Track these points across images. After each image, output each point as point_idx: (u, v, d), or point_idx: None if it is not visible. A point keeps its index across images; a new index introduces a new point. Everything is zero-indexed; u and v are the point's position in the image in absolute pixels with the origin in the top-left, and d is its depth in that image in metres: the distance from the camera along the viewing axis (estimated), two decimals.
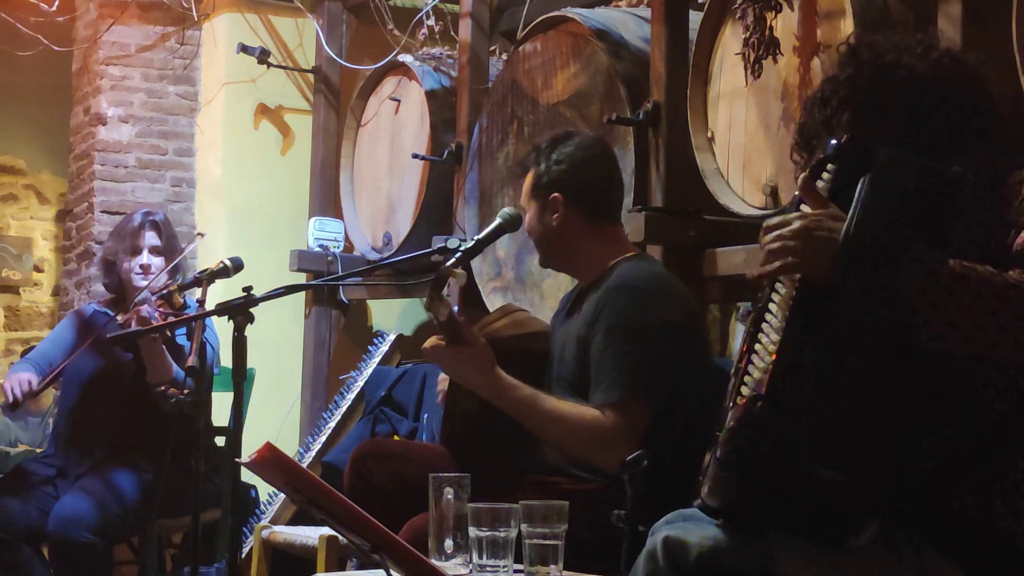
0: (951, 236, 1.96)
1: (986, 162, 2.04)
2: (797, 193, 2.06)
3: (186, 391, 3.55)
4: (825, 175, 2.02)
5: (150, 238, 4.29)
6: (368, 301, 5.62)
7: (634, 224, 3.49)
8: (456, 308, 2.88)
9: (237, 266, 3.74)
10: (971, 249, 1.97)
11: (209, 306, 3.48)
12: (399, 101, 5.00)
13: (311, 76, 5.67)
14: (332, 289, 5.34)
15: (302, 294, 5.32)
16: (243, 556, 4.45)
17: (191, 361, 3.44)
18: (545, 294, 3.91)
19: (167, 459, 3.76)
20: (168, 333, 4.03)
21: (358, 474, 3.10)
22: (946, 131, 2.07)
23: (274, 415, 5.36)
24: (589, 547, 2.60)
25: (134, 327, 3.78)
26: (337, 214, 5.32)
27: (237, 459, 2.65)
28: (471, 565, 2.37)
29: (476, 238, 3.07)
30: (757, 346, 2.00)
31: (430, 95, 4.81)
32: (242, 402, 3.10)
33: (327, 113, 5.54)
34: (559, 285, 3.82)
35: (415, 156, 4.68)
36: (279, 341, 5.44)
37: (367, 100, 5.18)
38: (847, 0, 3.06)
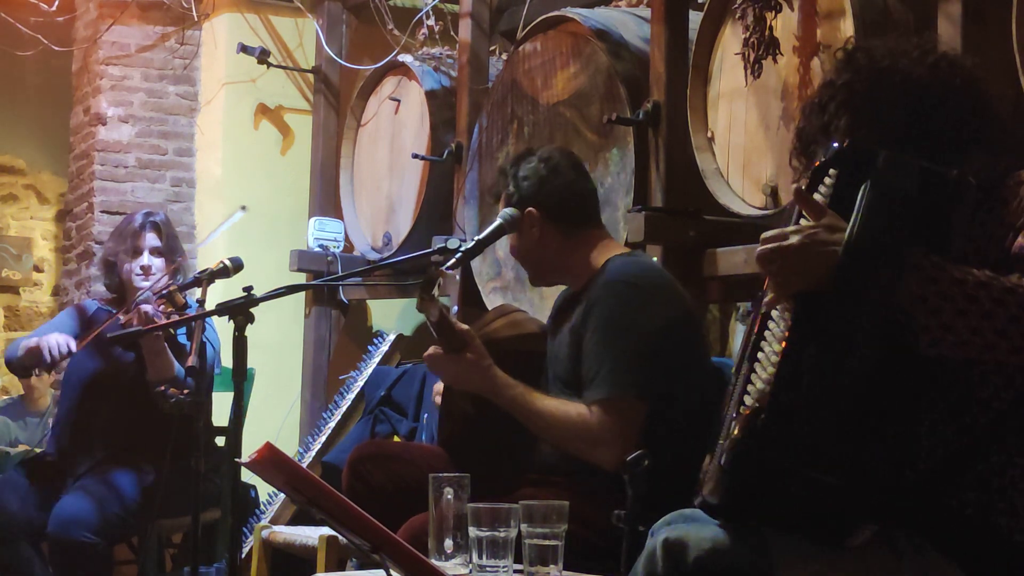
0: (951, 239, 1.96)
1: (985, 164, 2.04)
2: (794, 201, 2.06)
3: (186, 391, 3.55)
4: (827, 180, 2.02)
5: (151, 239, 4.28)
6: (368, 301, 5.62)
7: (634, 224, 3.49)
8: (456, 308, 2.89)
9: (237, 266, 3.74)
10: (970, 250, 1.97)
11: (209, 306, 3.48)
12: (399, 101, 4.99)
13: (311, 76, 5.67)
14: (332, 289, 5.34)
15: (302, 294, 5.32)
16: (243, 556, 4.45)
17: (191, 361, 3.44)
18: (545, 294, 3.91)
19: (167, 459, 3.76)
20: (172, 331, 4.03)
21: (357, 475, 3.10)
22: (944, 134, 2.07)
23: (274, 415, 5.36)
24: (589, 547, 2.60)
25: (135, 326, 3.78)
26: (337, 214, 5.32)
27: (237, 459, 2.65)
28: (471, 565, 2.37)
29: (476, 238, 3.07)
30: (760, 355, 2.00)
31: (430, 95, 4.81)
32: (242, 402, 3.10)
33: (327, 113, 5.54)
34: (558, 287, 3.82)
35: (415, 156, 4.68)
36: (279, 341, 5.44)
37: (367, 100, 5.18)
38: (847, 0, 3.06)
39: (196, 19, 5.84)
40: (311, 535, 3.91)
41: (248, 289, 3.09)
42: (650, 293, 2.94)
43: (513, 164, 3.14)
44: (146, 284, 4.20)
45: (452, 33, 4.96)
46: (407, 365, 4.90)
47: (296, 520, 4.57)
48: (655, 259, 3.42)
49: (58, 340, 4.08)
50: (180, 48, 5.87)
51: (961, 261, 1.92)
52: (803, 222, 2.01)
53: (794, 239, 1.95)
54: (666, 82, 3.59)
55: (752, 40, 3.32)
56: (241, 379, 3.08)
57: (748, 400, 1.98)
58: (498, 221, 3.08)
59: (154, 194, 5.80)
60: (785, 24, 3.25)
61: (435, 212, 4.71)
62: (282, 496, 4.64)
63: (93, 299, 4.74)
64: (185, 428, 3.48)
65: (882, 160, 1.96)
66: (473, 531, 2.34)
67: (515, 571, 2.36)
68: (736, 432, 1.95)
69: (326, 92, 5.54)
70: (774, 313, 2.01)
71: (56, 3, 5.77)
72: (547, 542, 2.31)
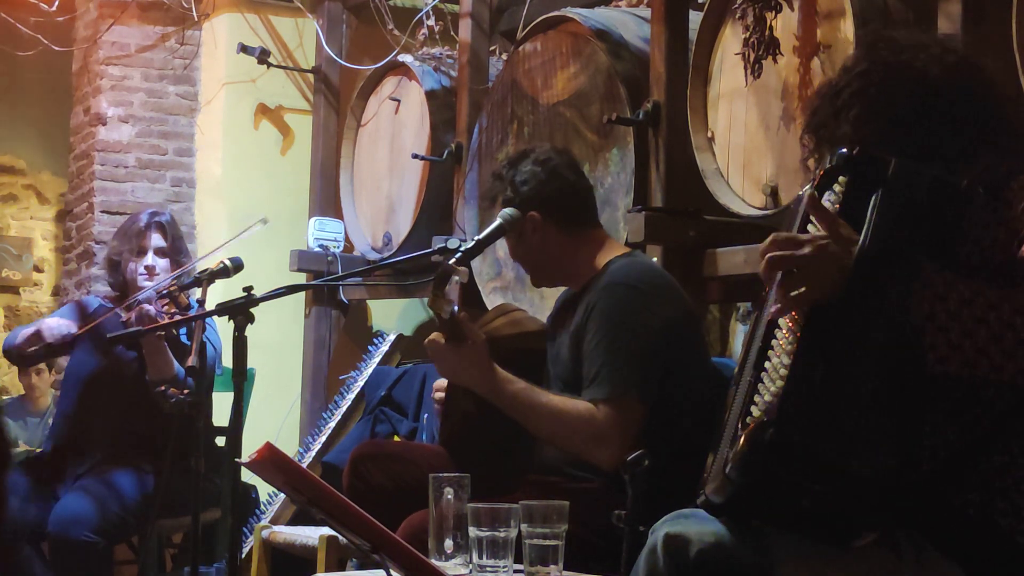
0: (961, 248, 1.96)
1: (989, 165, 2.04)
2: (804, 207, 2.04)
3: (186, 391, 3.55)
4: (836, 187, 2.01)
5: (155, 240, 4.28)
6: (368, 301, 5.62)
7: (634, 224, 3.49)
8: (456, 307, 2.89)
9: (237, 266, 3.74)
10: (974, 252, 1.97)
11: (209, 306, 3.48)
12: (399, 101, 4.99)
13: (311, 76, 5.67)
14: (332, 289, 5.34)
15: (302, 294, 5.32)
16: (243, 556, 4.45)
17: (191, 361, 3.44)
18: (545, 294, 3.91)
19: (167, 459, 3.76)
20: (174, 332, 4.03)
21: (357, 474, 3.10)
22: (953, 136, 2.06)
23: (274, 415, 5.36)
24: (589, 547, 2.60)
25: (136, 325, 3.78)
26: (337, 214, 5.32)
27: (237, 459, 2.65)
28: (471, 565, 2.37)
29: (476, 238, 3.07)
30: (767, 364, 1.99)
31: (430, 95, 4.80)
32: (242, 402, 3.10)
33: (327, 113, 5.54)
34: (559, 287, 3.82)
35: (415, 156, 4.68)
36: (279, 341, 5.43)
37: (367, 100, 5.18)
38: (847, 0, 3.06)
39: (196, 19, 5.84)
40: (311, 535, 3.92)
41: (248, 289, 3.09)
42: (650, 294, 2.94)
43: (509, 167, 3.11)
44: (149, 284, 4.20)
45: (452, 33, 4.96)
46: (407, 365, 4.91)
47: (296, 520, 4.57)
48: (655, 259, 3.42)
49: (58, 322, 4.09)
50: (180, 48, 5.87)
51: (966, 265, 1.92)
52: (811, 227, 2.00)
53: (807, 249, 1.93)
54: (666, 82, 3.59)
55: (752, 40, 3.32)
56: (241, 379, 3.08)
57: (755, 411, 1.97)
58: (498, 221, 3.08)
59: (154, 194, 5.80)
60: (785, 24, 3.25)
61: (435, 212, 4.71)
62: (282, 496, 4.64)
63: (95, 295, 4.74)
64: (185, 428, 3.48)
65: (893, 169, 1.96)
66: (473, 531, 2.34)
67: (515, 571, 2.36)
68: (743, 445, 1.94)
69: (326, 92, 5.54)
70: (781, 321, 2.00)
71: (56, 3, 5.77)
72: (547, 542, 2.31)
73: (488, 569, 2.34)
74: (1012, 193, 2.00)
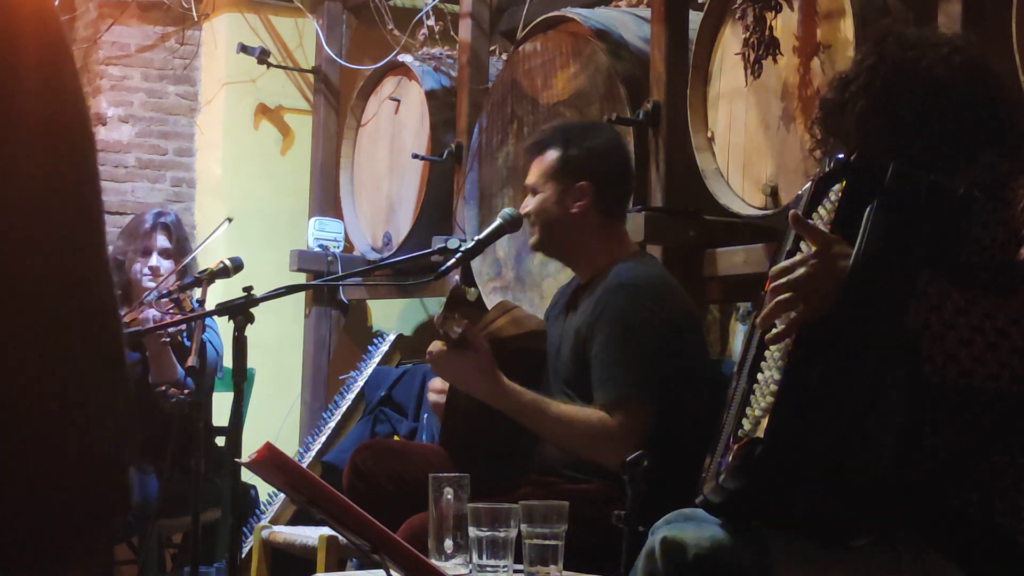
0: (956, 253, 1.96)
1: (989, 164, 2.04)
2: (790, 228, 2.04)
3: (186, 391, 3.55)
4: (832, 195, 2.01)
5: (160, 240, 4.29)
6: (368, 301, 5.62)
7: (634, 224, 3.49)
8: (466, 321, 2.86)
9: (237, 266, 3.74)
10: (974, 252, 1.97)
11: (209, 306, 3.48)
12: (399, 101, 4.99)
13: (311, 76, 5.67)
14: (332, 289, 5.34)
15: (302, 294, 5.32)
16: (243, 556, 4.45)
17: (191, 361, 3.44)
18: (545, 294, 3.91)
19: (168, 459, 3.75)
20: (180, 337, 4.03)
21: (357, 474, 3.10)
22: (953, 137, 2.06)
23: (274, 415, 5.36)
24: (589, 547, 2.60)
25: (138, 327, 3.78)
26: (337, 214, 5.31)
27: (237, 459, 2.65)
28: (471, 565, 2.37)
29: (476, 238, 3.06)
30: (760, 376, 2.00)
31: (430, 95, 4.80)
32: (242, 402, 3.10)
33: (327, 113, 5.54)
34: (559, 285, 3.82)
35: (415, 156, 4.68)
36: (279, 341, 5.43)
37: (367, 100, 5.18)
38: (847, 0, 3.05)
39: (196, 19, 5.84)
40: (311, 535, 3.91)
41: (248, 289, 3.09)
42: (655, 297, 2.94)
43: (581, 130, 3.13)
44: (153, 285, 4.20)
45: (452, 33, 4.96)
46: (407, 365, 4.91)
47: (296, 520, 4.56)
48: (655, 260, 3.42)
49: None
50: (180, 48, 5.87)
51: (966, 265, 1.92)
52: (803, 245, 2.01)
53: (800, 270, 1.94)
54: (666, 82, 3.59)
55: (752, 40, 3.32)
56: (241, 379, 3.08)
57: (746, 424, 1.98)
58: (498, 221, 3.07)
59: (154, 194, 5.80)
60: (785, 24, 3.25)
61: (435, 212, 4.71)
62: (282, 496, 4.63)
63: None
64: (185, 428, 3.47)
65: (890, 176, 1.95)
66: (473, 531, 2.34)
67: (515, 571, 2.36)
68: (734, 459, 1.95)
69: (326, 92, 5.54)
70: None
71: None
72: (547, 542, 2.31)
73: (488, 569, 2.34)
74: (1012, 193, 2.00)
